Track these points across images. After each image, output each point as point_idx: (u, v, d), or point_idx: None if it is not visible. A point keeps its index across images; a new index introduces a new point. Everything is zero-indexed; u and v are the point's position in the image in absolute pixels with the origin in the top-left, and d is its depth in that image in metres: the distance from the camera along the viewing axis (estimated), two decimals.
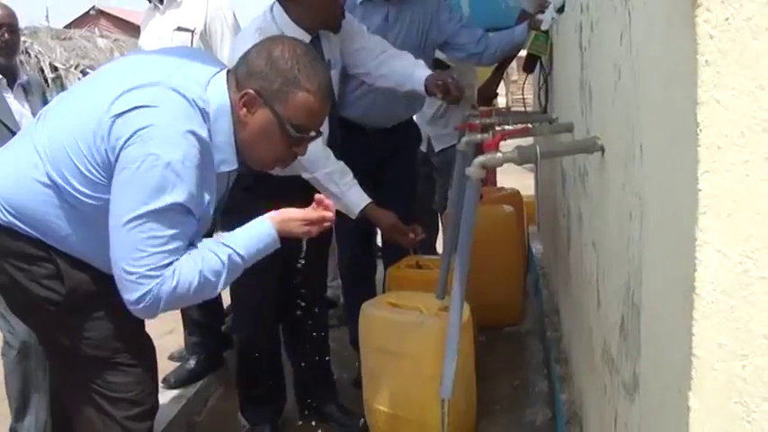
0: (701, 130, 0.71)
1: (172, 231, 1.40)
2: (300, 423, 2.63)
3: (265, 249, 1.57)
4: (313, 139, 1.57)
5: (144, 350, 1.68)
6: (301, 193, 2.34)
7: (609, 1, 1.28)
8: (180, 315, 3.10)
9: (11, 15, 2.50)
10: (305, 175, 2.22)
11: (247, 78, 1.48)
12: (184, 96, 1.42)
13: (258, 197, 2.32)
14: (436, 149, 3.89)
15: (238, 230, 1.57)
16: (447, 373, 1.53)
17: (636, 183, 1.07)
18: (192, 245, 1.49)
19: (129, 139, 1.36)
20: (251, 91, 1.46)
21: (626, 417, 1.21)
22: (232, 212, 2.36)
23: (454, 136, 3.74)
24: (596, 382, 1.60)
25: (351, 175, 2.27)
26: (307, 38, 2.21)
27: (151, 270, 1.39)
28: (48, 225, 1.47)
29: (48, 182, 1.45)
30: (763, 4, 0.70)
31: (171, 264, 1.41)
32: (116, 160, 1.38)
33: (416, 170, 3.16)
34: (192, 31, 2.83)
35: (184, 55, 1.60)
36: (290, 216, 1.60)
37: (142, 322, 1.68)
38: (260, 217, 1.60)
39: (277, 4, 2.26)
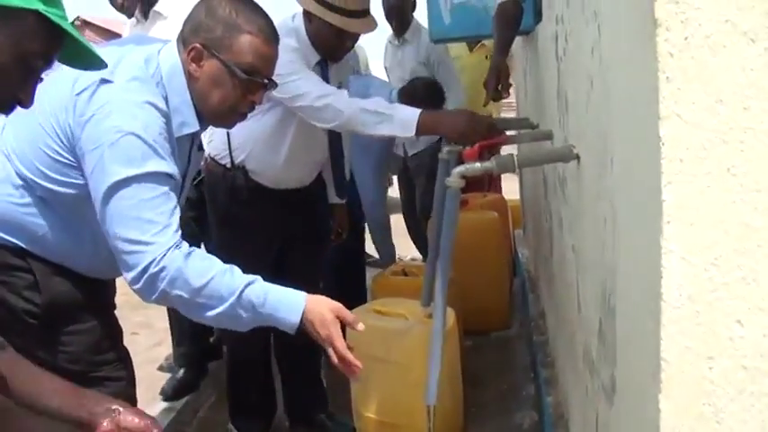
0: (663, 143, 0.74)
1: (155, 194, 1.39)
2: None
3: (283, 317, 1.45)
4: (266, 85, 1.57)
5: (121, 363, 1.66)
6: (297, 206, 2.36)
7: (581, 14, 1.31)
8: (168, 326, 3.11)
9: None
10: (337, 125, 2.10)
11: (191, 34, 1.53)
12: (138, 67, 1.47)
13: (253, 210, 2.34)
14: (410, 153, 4.00)
15: (270, 285, 1.48)
16: (431, 380, 1.55)
17: (608, 191, 1.10)
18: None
19: (89, 118, 1.39)
20: (197, 45, 1.50)
21: (605, 418, 1.24)
22: (227, 225, 2.38)
23: (426, 140, 3.77)
24: (579, 385, 1.63)
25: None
26: (316, 57, 2.22)
27: (150, 235, 1.37)
28: (23, 226, 1.48)
29: (18, 181, 1.47)
30: (721, 23, 0.73)
31: (177, 242, 1.38)
32: (80, 139, 1.40)
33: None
34: None
35: (137, 40, 1.67)
36: (326, 305, 1.51)
37: (120, 335, 1.68)
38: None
39: (300, 14, 2.25)
